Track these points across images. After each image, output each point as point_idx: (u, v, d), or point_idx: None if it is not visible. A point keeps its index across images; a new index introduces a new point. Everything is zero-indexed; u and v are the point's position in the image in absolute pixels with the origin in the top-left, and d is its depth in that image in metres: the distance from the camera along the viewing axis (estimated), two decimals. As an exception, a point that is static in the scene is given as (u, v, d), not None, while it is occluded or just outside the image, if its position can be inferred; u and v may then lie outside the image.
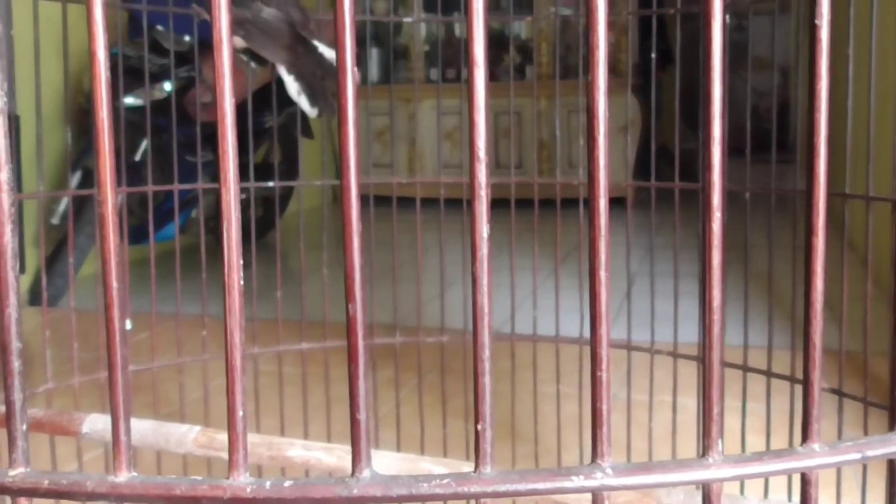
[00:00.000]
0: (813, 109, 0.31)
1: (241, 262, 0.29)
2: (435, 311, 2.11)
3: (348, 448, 0.90)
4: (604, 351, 0.30)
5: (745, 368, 1.27)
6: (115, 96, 2.60)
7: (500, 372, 1.54)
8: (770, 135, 1.26)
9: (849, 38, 1.05)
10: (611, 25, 4.69)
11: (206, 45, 2.82)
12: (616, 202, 1.57)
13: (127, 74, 2.65)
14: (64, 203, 2.86)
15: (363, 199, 1.52)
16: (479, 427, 0.30)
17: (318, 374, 1.52)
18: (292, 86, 1.43)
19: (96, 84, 0.28)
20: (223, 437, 0.85)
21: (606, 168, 0.29)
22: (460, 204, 1.52)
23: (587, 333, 1.39)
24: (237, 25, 1.44)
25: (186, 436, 0.84)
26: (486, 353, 0.30)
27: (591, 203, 0.29)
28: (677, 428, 1.38)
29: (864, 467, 1.11)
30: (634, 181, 1.37)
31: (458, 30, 5.31)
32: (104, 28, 0.29)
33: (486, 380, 0.30)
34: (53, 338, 1.18)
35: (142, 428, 0.84)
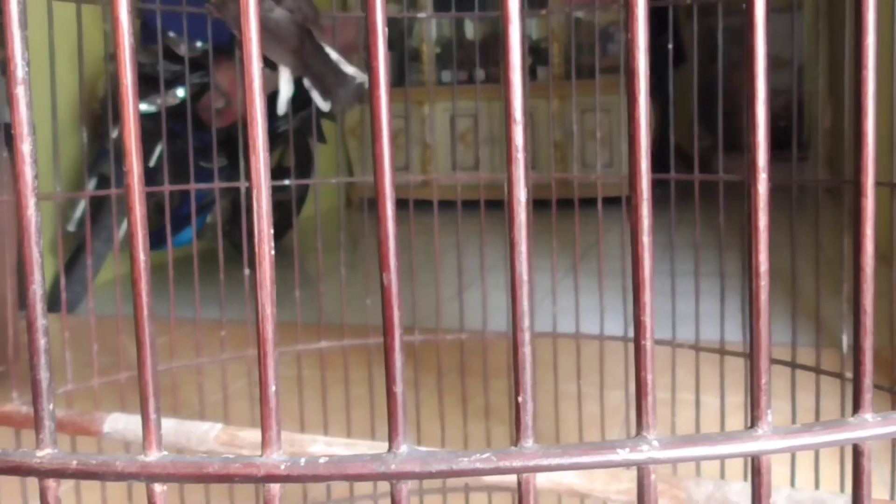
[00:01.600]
0: (860, 67, 0.29)
1: (272, 231, 0.28)
2: (453, 312, 2.10)
3: (371, 443, 0.89)
4: (647, 319, 0.29)
5: (770, 361, 1.26)
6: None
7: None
8: (785, 132, 1.25)
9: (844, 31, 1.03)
10: (621, 23, 4.67)
11: (220, 50, 2.82)
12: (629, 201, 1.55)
13: (140, 81, 2.66)
14: (80, 210, 2.86)
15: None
16: (520, 399, 0.29)
17: (337, 378, 1.51)
18: (285, 86, 1.41)
19: (120, 43, 0.27)
20: (245, 434, 0.84)
21: (647, 130, 0.28)
22: (477, 205, 1.52)
23: (609, 331, 1.38)
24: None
25: (208, 433, 0.84)
26: (526, 322, 0.29)
27: (631, 167, 0.28)
28: (700, 426, 1.37)
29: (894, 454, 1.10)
30: (653, 174, 1.36)
31: (469, 31, 5.31)
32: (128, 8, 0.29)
33: (527, 350, 0.29)
34: (72, 343, 1.18)
35: (163, 426, 0.83)
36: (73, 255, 2.92)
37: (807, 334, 1.49)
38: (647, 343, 0.29)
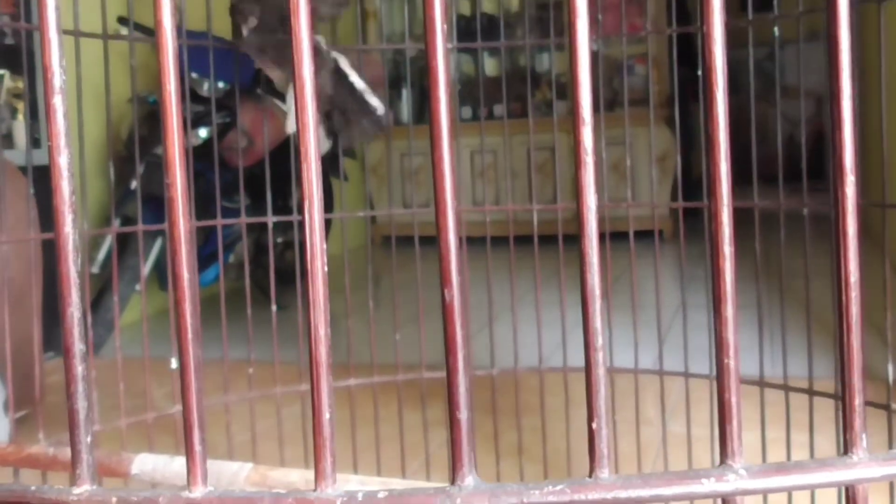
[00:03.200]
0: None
1: (325, 246, 0.26)
2: (481, 344, 2.07)
3: (404, 482, 0.87)
4: (730, 336, 0.27)
5: (812, 393, 1.22)
6: (154, 144, 2.61)
7: (551, 409, 1.49)
8: (816, 161, 1.22)
9: (880, 53, 1.02)
10: (645, 58, 4.67)
11: (243, 90, 2.83)
12: (649, 235, 1.50)
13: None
14: (104, 251, 2.86)
15: (407, 240, 1.48)
16: (594, 425, 0.26)
17: (366, 416, 1.48)
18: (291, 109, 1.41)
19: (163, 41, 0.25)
20: (276, 474, 0.81)
21: (727, 129, 0.26)
22: (498, 242, 1.49)
23: (643, 363, 1.34)
24: (273, 50, 1.43)
25: (238, 474, 0.81)
26: (600, 341, 0.26)
27: (711, 171, 0.26)
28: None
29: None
30: (685, 202, 1.34)
31: (488, 68, 5.32)
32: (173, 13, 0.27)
33: (601, 371, 0.26)
34: (97, 385, 1.16)
35: (193, 466, 0.81)
36: (97, 296, 2.91)
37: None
38: (731, 362, 0.27)
